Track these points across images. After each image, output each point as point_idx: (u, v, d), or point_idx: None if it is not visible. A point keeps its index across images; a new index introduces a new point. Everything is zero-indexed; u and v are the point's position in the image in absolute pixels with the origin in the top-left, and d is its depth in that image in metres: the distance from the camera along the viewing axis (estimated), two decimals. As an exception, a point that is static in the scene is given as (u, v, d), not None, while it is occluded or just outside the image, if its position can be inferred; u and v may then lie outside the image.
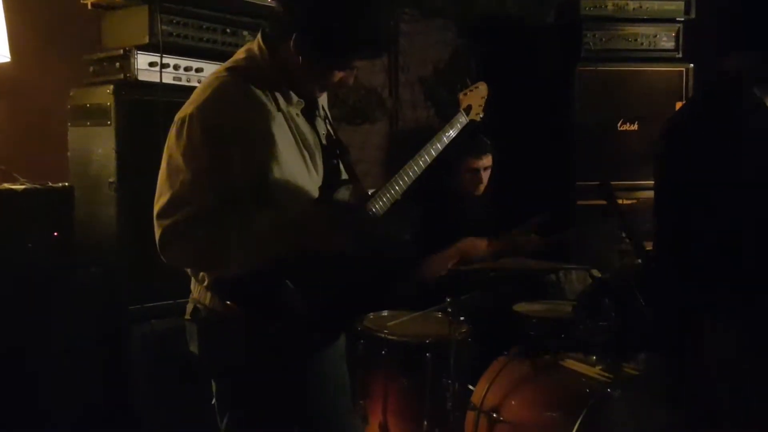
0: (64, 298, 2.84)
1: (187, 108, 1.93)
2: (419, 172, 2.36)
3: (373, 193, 2.25)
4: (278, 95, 1.99)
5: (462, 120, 2.60)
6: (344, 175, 2.19)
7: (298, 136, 2.03)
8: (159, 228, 1.87)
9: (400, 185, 2.29)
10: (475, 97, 2.69)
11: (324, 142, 2.13)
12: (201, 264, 1.97)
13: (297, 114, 2.05)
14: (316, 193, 2.06)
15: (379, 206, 2.22)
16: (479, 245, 3.59)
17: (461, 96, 2.66)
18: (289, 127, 2.01)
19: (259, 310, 1.94)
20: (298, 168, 2.01)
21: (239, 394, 2.05)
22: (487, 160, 3.74)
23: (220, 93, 1.91)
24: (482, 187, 3.78)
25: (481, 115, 2.70)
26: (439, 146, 2.45)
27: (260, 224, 1.90)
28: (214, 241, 1.87)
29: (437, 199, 3.73)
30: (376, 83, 4.45)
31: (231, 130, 1.89)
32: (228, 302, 1.96)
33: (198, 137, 1.87)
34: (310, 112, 2.11)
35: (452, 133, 2.53)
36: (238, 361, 2.01)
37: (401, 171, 2.33)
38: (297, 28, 1.90)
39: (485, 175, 3.77)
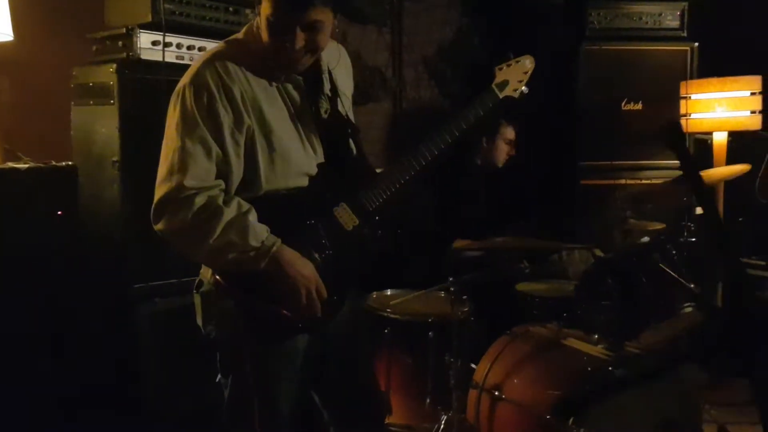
0: (68, 277, 2.85)
1: (182, 81, 1.97)
2: (437, 153, 2.19)
3: (382, 173, 2.18)
4: (271, 70, 2.01)
5: (494, 97, 2.35)
6: (354, 153, 2.19)
7: (294, 111, 2.05)
8: (156, 197, 1.91)
9: (413, 166, 2.17)
10: (516, 71, 2.41)
11: (326, 118, 2.12)
12: (178, 244, 1.97)
13: (296, 88, 2.06)
14: (313, 170, 2.07)
15: (384, 190, 2.14)
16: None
17: (497, 70, 2.39)
18: (284, 101, 2.04)
19: (242, 285, 1.96)
20: (292, 142, 2.03)
21: (238, 367, 2.07)
22: (510, 132, 3.79)
23: (214, 64, 1.94)
24: (506, 159, 3.81)
25: (522, 90, 2.42)
26: (464, 125, 2.25)
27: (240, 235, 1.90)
28: (198, 229, 1.88)
29: (460, 169, 3.74)
30: (379, 62, 4.44)
31: (221, 100, 1.91)
32: (217, 277, 1.99)
33: (190, 108, 1.90)
34: (312, 89, 2.10)
35: (481, 111, 2.29)
36: (232, 336, 2.04)
37: (416, 150, 2.18)
38: None
39: (509, 148, 3.81)
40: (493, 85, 2.36)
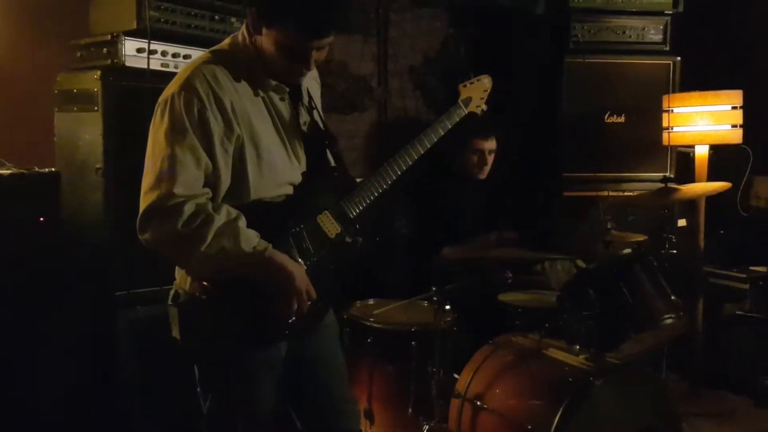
0: (50, 284, 2.83)
1: (169, 88, 1.97)
2: (411, 162, 2.34)
3: (362, 182, 2.25)
4: (258, 80, 2.04)
5: (460, 112, 2.56)
6: (332, 164, 2.22)
7: (278, 122, 2.07)
8: (142, 206, 1.90)
9: (389, 175, 2.28)
10: (477, 89, 2.64)
11: (305, 130, 2.16)
12: (168, 252, 1.96)
13: (281, 99, 2.09)
14: (297, 179, 2.10)
15: (364, 198, 2.22)
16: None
17: (461, 87, 2.61)
18: (269, 112, 2.06)
19: (234, 289, 1.96)
20: (278, 153, 2.06)
21: (218, 378, 2.08)
22: (492, 143, 3.78)
23: (202, 73, 1.95)
24: (486, 170, 3.81)
25: (483, 108, 2.67)
26: (434, 137, 2.42)
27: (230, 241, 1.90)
28: (189, 237, 1.87)
29: (439, 180, 3.75)
30: (365, 72, 4.45)
31: (211, 109, 1.92)
32: (204, 283, 1.99)
33: (179, 116, 1.90)
34: (294, 100, 2.14)
35: (449, 124, 2.50)
36: (216, 345, 2.04)
37: (392, 159, 2.31)
38: (251, 2, 1.97)
39: (490, 158, 3.79)
40: (460, 101, 2.58)
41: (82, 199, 2.97)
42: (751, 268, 4.22)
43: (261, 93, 2.05)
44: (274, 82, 2.06)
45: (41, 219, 2.83)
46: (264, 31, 1.96)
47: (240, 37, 2.06)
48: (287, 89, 2.10)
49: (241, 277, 1.94)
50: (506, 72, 4.39)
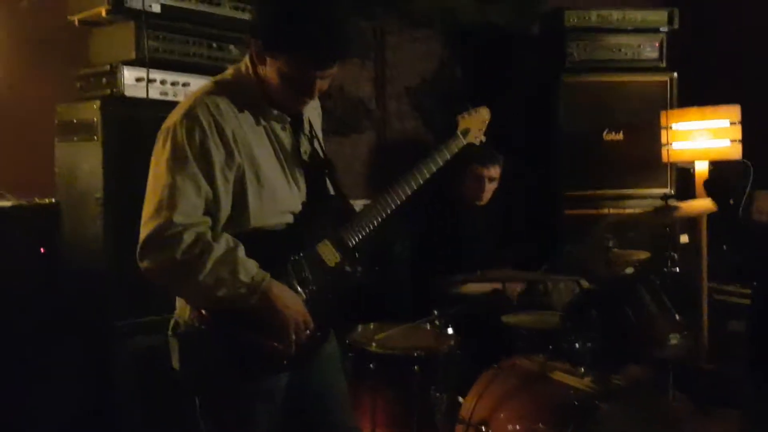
0: (51, 314, 2.83)
1: (172, 117, 1.97)
2: (410, 192, 2.34)
3: (361, 211, 2.25)
4: (260, 110, 2.04)
5: (459, 143, 2.56)
6: (332, 192, 2.23)
7: (279, 151, 2.08)
8: (142, 234, 1.89)
9: (389, 204, 2.28)
10: (475, 120, 2.64)
11: (306, 158, 2.16)
12: (166, 281, 1.95)
13: (282, 129, 2.09)
14: (297, 207, 2.10)
15: (363, 227, 2.22)
16: None
17: (459, 118, 2.61)
18: (270, 141, 2.06)
19: (233, 319, 1.95)
20: (278, 181, 2.06)
21: (218, 409, 2.07)
22: (494, 171, 3.76)
23: (204, 103, 1.95)
24: (485, 197, 3.79)
25: (481, 139, 2.68)
26: (433, 167, 2.42)
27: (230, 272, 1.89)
28: (188, 265, 1.86)
29: (439, 204, 3.75)
30: (362, 94, 4.47)
31: (213, 138, 1.92)
32: (203, 312, 1.98)
33: (181, 145, 1.90)
34: (295, 129, 2.14)
35: (448, 155, 2.49)
36: (216, 375, 2.03)
37: (391, 189, 2.31)
38: (255, 33, 1.98)
39: (490, 186, 3.78)
40: (459, 132, 2.59)
41: (82, 228, 2.96)
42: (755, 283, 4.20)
43: (263, 122, 2.05)
44: (275, 112, 2.06)
45: (42, 250, 2.83)
46: (268, 61, 1.97)
47: (243, 67, 2.07)
48: (288, 118, 2.11)
49: (240, 307, 1.93)
50: (503, 92, 4.42)
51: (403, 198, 2.31)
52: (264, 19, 1.97)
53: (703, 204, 3.64)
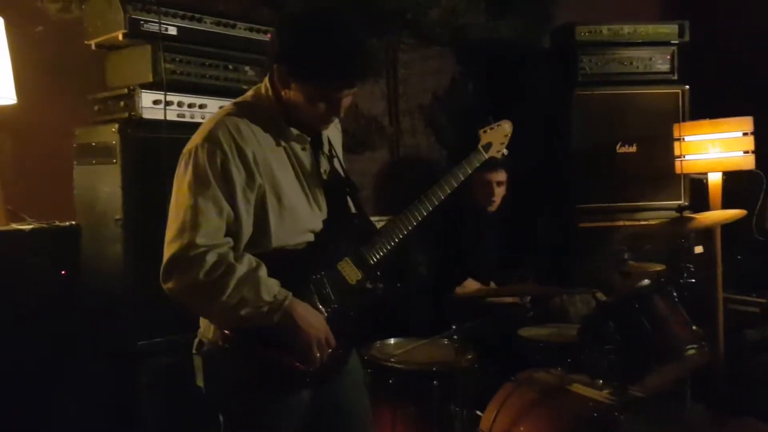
0: (72, 336, 2.85)
1: (194, 140, 2.01)
2: (431, 208, 2.35)
3: (382, 228, 2.26)
4: (280, 131, 2.07)
5: (480, 157, 2.58)
6: (353, 210, 2.25)
7: (300, 171, 2.10)
8: (166, 256, 1.92)
9: (410, 220, 2.29)
10: (497, 134, 2.65)
11: (326, 177, 2.19)
12: (190, 302, 1.97)
13: (302, 149, 2.12)
14: (318, 226, 2.12)
15: (384, 244, 2.23)
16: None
17: (482, 133, 2.62)
18: (291, 161, 2.09)
19: (256, 337, 1.98)
20: (299, 201, 2.08)
21: (242, 426, 2.09)
22: (500, 175, 3.79)
23: (225, 125, 1.99)
24: (495, 202, 3.81)
25: (504, 152, 2.69)
26: (454, 183, 2.44)
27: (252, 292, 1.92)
28: (210, 286, 1.89)
29: (452, 213, 3.76)
30: (376, 112, 4.50)
31: (233, 160, 1.95)
32: (226, 332, 2.00)
33: (203, 167, 1.93)
34: (315, 149, 2.17)
35: (469, 170, 2.50)
36: (240, 393, 2.05)
37: (412, 206, 2.32)
38: (279, 60, 2.00)
39: (499, 191, 3.81)
40: (480, 146, 2.59)
41: (102, 251, 3.00)
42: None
43: (283, 143, 2.08)
44: (295, 132, 2.09)
45: (63, 272, 2.86)
46: (293, 85, 2.00)
47: (263, 89, 2.10)
48: (308, 138, 2.13)
49: (262, 326, 1.95)
50: (515, 107, 4.44)
51: (425, 214, 2.33)
52: (289, 47, 1.99)
53: (723, 214, 3.64)
